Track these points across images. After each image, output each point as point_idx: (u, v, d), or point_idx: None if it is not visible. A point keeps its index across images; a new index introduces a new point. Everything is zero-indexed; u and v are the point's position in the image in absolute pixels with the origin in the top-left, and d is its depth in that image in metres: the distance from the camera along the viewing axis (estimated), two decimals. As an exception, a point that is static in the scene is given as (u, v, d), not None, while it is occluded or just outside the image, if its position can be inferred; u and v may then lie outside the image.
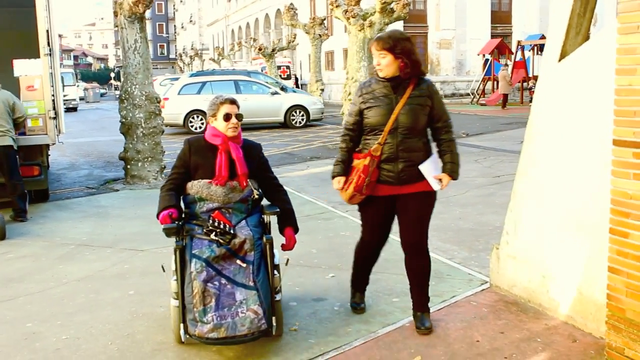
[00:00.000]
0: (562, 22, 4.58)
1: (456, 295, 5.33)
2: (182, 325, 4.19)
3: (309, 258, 6.51)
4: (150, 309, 5.28)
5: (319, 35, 29.10)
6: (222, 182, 4.38)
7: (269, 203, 4.65)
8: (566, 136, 4.50)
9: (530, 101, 29.93)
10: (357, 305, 5.00)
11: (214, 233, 4.21)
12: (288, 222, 4.58)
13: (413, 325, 4.64)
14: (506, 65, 30.55)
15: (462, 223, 7.95)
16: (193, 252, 4.16)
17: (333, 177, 4.55)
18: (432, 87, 4.42)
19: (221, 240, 4.19)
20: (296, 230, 4.59)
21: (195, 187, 4.42)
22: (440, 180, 4.40)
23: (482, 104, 31.44)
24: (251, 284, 4.12)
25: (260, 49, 33.84)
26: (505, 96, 28.93)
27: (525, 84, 31.75)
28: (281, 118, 22.10)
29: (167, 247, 7.15)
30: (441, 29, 36.99)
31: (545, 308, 4.81)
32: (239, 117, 4.49)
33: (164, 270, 4.60)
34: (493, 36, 36.39)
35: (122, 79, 11.90)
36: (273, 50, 34.32)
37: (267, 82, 24.05)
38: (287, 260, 4.58)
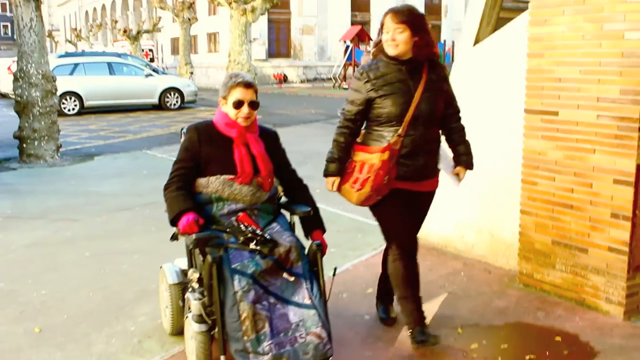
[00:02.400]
0: (477, 13, 5.59)
1: (383, 245, 6.23)
2: (223, 358, 3.38)
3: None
4: (114, 266, 5.79)
5: (188, 18, 29.28)
6: (247, 180, 3.65)
7: (287, 200, 4.01)
8: (480, 106, 5.50)
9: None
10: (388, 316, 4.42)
11: (254, 242, 3.47)
12: (316, 223, 3.86)
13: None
14: (368, 51, 32.00)
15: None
16: (233, 266, 3.39)
17: (327, 176, 3.91)
18: (445, 70, 4.00)
19: (264, 250, 3.47)
20: (324, 232, 3.88)
21: (214, 184, 3.65)
22: (457, 174, 4.09)
23: (344, 88, 32.79)
24: (307, 301, 3.41)
25: (125, 31, 33.44)
26: (367, 81, 30.41)
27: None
28: (156, 100, 22.22)
29: (99, 216, 7.60)
30: (304, 15, 38.11)
31: (460, 251, 5.82)
32: (253, 105, 3.72)
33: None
34: (353, 23, 37.98)
35: (17, 58, 11.88)
36: (138, 32, 34.00)
37: (140, 65, 24.03)
38: (335, 269, 3.86)
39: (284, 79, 35.22)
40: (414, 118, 3.75)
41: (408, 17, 3.72)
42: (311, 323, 3.34)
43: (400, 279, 3.98)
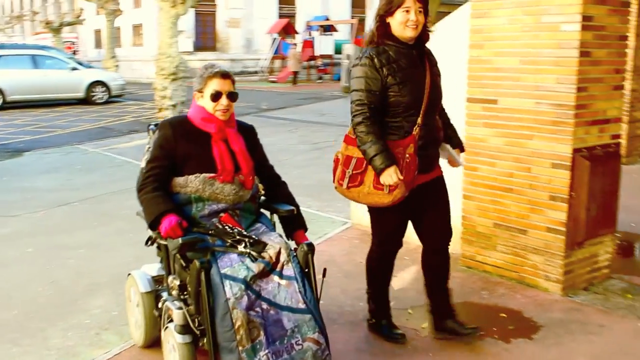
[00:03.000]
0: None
1: (327, 232, 6.37)
2: None
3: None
4: (60, 261, 5.73)
5: (113, 10, 28.70)
6: (229, 178, 3.43)
7: (268, 198, 3.80)
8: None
9: (318, 79, 31.98)
10: (396, 332, 4.01)
11: (242, 244, 3.29)
12: (298, 223, 3.67)
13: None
14: (295, 44, 32.17)
15: (305, 181, 9.01)
16: (223, 271, 3.17)
17: (382, 170, 3.44)
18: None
19: (254, 253, 3.27)
20: (306, 231, 3.71)
21: (193, 183, 3.40)
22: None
23: (272, 81, 32.84)
24: (301, 305, 3.22)
25: (47, 23, 32.47)
26: (296, 73, 30.57)
27: (312, 63, 33.63)
28: (82, 94, 21.73)
29: (36, 212, 7.48)
30: (230, 8, 37.84)
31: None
32: (232, 96, 3.49)
33: None
34: (280, 16, 37.97)
35: None
36: (60, 25, 33.09)
37: (65, 58, 23.44)
38: (325, 270, 3.51)
39: (211, 72, 34.98)
40: (428, 106, 3.53)
41: None
42: (307, 328, 3.18)
43: (379, 275, 3.98)
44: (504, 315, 4.29)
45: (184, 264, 3.30)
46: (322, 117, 17.28)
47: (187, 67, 17.55)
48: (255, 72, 36.24)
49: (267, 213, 3.76)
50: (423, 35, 3.57)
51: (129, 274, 4.00)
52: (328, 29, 33.96)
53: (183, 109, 17.13)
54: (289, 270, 3.32)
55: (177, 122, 3.58)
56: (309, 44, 33.25)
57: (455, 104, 5.25)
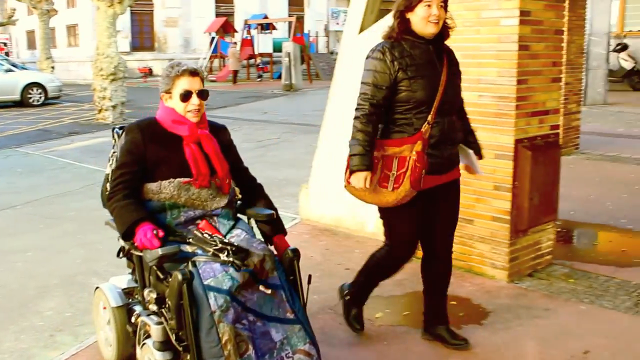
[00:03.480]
0: (361, 3, 5.86)
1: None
2: None
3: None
4: (7, 265, 5.65)
5: (47, 10, 28.06)
6: (205, 183, 3.25)
7: (244, 202, 3.59)
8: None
9: (258, 77, 31.94)
10: (360, 322, 4.03)
11: (225, 252, 3.05)
12: (278, 227, 3.48)
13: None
14: (235, 43, 32.03)
15: (251, 178, 9.02)
16: (206, 282, 2.95)
17: (354, 171, 3.38)
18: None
19: (238, 262, 3.04)
20: (285, 235, 3.51)
21: (167, 189, 3.20)
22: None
23: (212, 81, 32.59)
24: (289, 315, 3.09)
25: (-23, 24, 31.58)
26: (235, 72, 30.46)
27: (252, 61, 33.54)
28: (17, 96, 21.23)
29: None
30: (167, 7, 37.42)
31: (352, 230, 6.11)
32: (202, 94, 3.30)
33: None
34: (217, 15, 37.73)
35: None
36: (-9, 25, 32.22)
37: (-2, 59, 22.85)
38: (310, 277, 3.31)
39: (150, 73, 34.51)
40: (441, 104, 3.37)
41: None
42: (297, 339, 3.04)
43: (381, 273, 3.88)
44: (454, 302, 4.41)
45: (160, 276, 3.06)
46: (264, 115, 17.30)
47: (127, 68, 17.37)
48: (195, 72, 35.82)
49: (245, 218, 3.57)
50: (442, 32, 3.43)
51: (97, 288, 3.74)
52: (267, 27, 33.91)
53: (123, 110, 16.97)
54: (274, 278, 3.14)
55: (145, 125, 3.32)
56: (248, 42, 33.15)
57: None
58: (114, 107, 16.59)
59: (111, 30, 16.27)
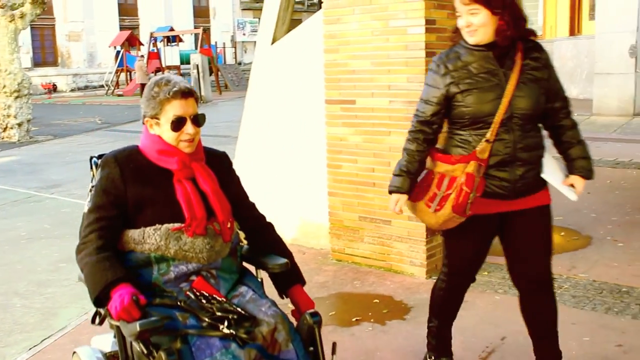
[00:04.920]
0: (273, 15, 5.99)
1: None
2: None
3: (45, 232, 7.06)
4: None
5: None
6: (200, 229, 2.57)
7: (251, 248, 2.90)
8: (283, 100, 5.91)
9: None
10: None
11: (225, 322, 2.44)
12: (294, 276, 2.82)
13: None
14: (142, 56, 31.58)
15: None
16: None
17: (391, 192, 3.13)
18: (546, 53, 3.09)
19: (242, 336, 2.43)
20: (304, 285, 2.85)
21: (153, 238, 2.54)
22: (572, 185, 3.15)
23: (119, 95, 32.06)
24: None
25: None
26: (143, 86, 29.98)
27: (160, 74, 33.14)
28: None
29: None
30: (69, 21, 36.55)
31: (273, 237, 6.20)
32: (197, 120, 2.66)
33: None
34: (122, 28, 37.12)
35: None
36: None
37: None
38: (334, 345, 2.69)
39: (54, 89, 33.62)
40: (506, 118, 2.92)
41: None
42: None
43: (447, 310, 3.49)
44: (377, 300, 4.58)
45: (145, 351, 2.35)
46: (176, 128, 17.13)
47: (31, 84, 16.92)
48: (101, 86, 35.21)
49: (252, 267, 2.90)
50: (504, 34, 2.91)
51: (74, 353, 3.02)
52: (173, 39, 33.62)
53: (30, 127, 16.52)
54: (290, 352, 2.52)
55: (125, 156, 2.66)
56: (154, 55, 32.75)
57: (314, 106, 5.54)
58: (19, 124, 16.14)
59: (13, 46, 15.84)
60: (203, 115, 2.70)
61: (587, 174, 3.12)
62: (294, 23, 6.05)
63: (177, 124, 2.60)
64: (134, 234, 2.57)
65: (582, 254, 5.47)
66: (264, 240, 2.89)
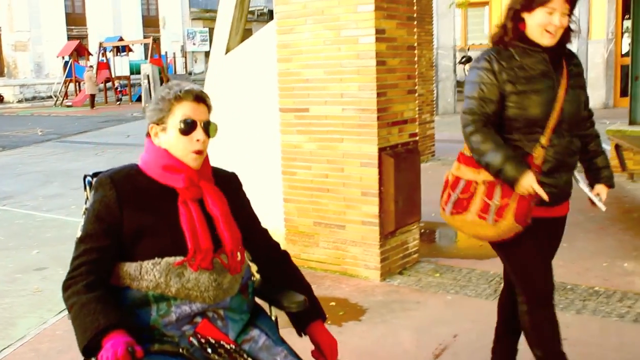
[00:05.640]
0: (226, 25, 6.07)
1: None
2: None
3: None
4: None
5: None
6: (206, 263, 2.22)
7: (264, 282, 2.57)
8: (237, 109, 5.99)
9: (117, 100, 31.29)
10: None
11: None
12: (314, 311, 2.48)
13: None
14: (91, 66, 31.21)
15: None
16: None
17: (521, 176, 2.74)
18: (580, 61, 3.04)
19: None
20: (325, 320, 2.53)
21: (151, 275, 2.19)
22: (597, 194, 3.05)
23: (68, 106, 31.58)
24: None
25: None
26: (93, 96, 29.68)
27: (109, 84, 32.81)
28: None
29: None
30: (15, 31, 35.90)
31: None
32: (209, 128, 2.33)
33: None
34: (70, 38, 36.62)
35: None
36: None
37: None
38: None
39: (0, 100, 32.98)
40: (558, 123, 2.83)
41: None
42: None
43: (545, 334, 3.01)
44: (333, 303, 4.69)
45: None
46: (127, 139, 17.03)
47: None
48: (49, 97, 34.67)
49: (264, 303, 2.54)
50: (567, 37, 2.88)
51: None
52: (122, 49, 33.32)
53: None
54: None
55: (122, 177, 2.30)
56: (104, 65, 32.41)
57: (268, 114, 5.64)
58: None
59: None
60: (215, 126, 2.35)
61: (612, 183, 3.09)
62: (245, 33, 6.15)
63: (187, 127, 2.27)
64: (129, 268, 2.22)
65: (529, 254, 5.67)
66: (278, 272, 2.56)
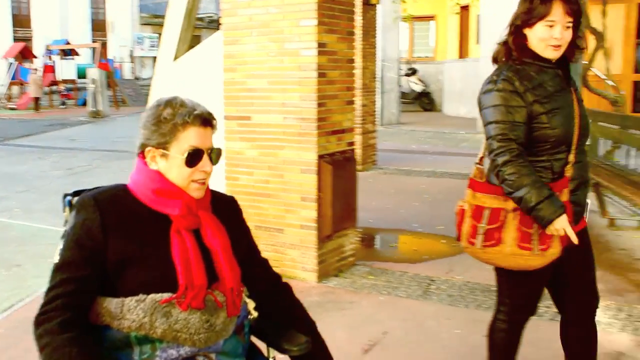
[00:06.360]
0: (174, 33, 6.27)
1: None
2: None
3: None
4: None
5: None
6: (197, 302, 1.97)
7: (262, 320, 2.28)
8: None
9: (62, 104, 30.93)
10: None
11: None
12: (320, 354, 2.27)
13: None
14: (35, 69, 30.79)
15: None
16: None
17: (554, 219, 2.60)
18: None
19: None
20: None
21: (134, 313, 1.93)
22: None
23: (12, 108, 31.06)
24: None
25: None
26: (37, 99, 29.29)
27: (55, 87, 32.41)
28: None
29: None
30: (-42, 31, 35.27)
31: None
32: (215, 156, 2.11)
33: None
34: (15, 40, 36.05)
35: None
36: None
37: None
38: None
39: (-60, 101, 32.31)
40: (579, 139, 2.75)
41: (577, 5, 2.69)
42: None
43: (507, 350, 3.06)
44: (271, 303, 4.91)
45: None
46: (72, 143, 16.97)
47: None
48: (-8, 99, 34.03)
49: (262, 343, 2.29)
50: (568, 52, 2.78)
51: None
52: (69, 53, 32.96)
53: None
54: None
55: (107, 198, 2.05)
56: (50, 68, 31.99)
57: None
58: None
59: None
60: (220, 151, 2.13)
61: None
62: (194, 40, 6.35)
63: (193, 158, 2.03)
64: (110, 304, 1.95)
65: (459, 258, 5.97)
66: (279, 308, 2.29)
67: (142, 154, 2.09)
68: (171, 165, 2.04)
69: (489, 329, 3.12)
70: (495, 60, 2.84)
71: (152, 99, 6.51)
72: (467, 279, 5.40)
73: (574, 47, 2.77)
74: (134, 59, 41.89)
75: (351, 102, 5.62)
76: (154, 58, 41.20)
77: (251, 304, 2.24)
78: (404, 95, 20.21)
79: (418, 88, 22.04)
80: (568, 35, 2.69)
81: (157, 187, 2.04)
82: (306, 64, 5.14)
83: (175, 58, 6.29)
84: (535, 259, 2.69)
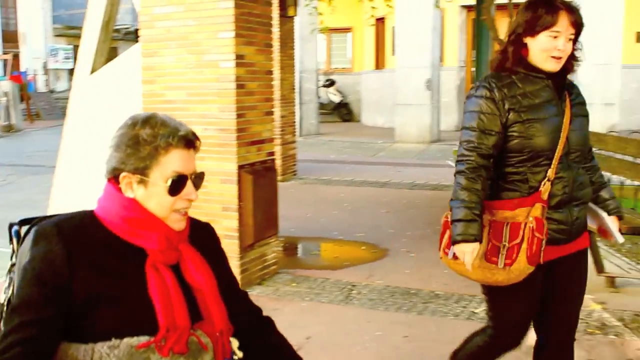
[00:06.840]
0: (91, 46, 6.23)
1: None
2: None
3: None
4: None
5: None
6: (180, 346, 1.73)
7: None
8: (102, 128, 6.13)
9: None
10: None
11: None
12: None
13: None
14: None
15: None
16: None
17: (463, 241, 2.62)
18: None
19: None
20: None
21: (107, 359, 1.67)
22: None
23: None
24: None
25: None
26: (-55, 114, 28.22)
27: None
28: None
29: None
30: None
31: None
32: (198, 181, 1.93)
33: None
34: None
35: None
36: None
37: None
38: None
39: None
40: (564, 154, 2.68)
41: (581, 18, 2.65)
42: None
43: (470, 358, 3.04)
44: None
45: None
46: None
47: None
48: None
49: None
50: (567, 64, 2.73)
51: None
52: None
53: None
54: None
55: (72, 227, 1.79)
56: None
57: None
58: None
59: None
60: (203, 175, 1.94)
61: (622, 214, 2.95)
62: (111, 52, 6.33)
63: (177, 185, 1.81)
64: (77, 352, 1.69)
65: (379, 264, 6.15)
66: (262, 345, 2.11)
67: (113, 179, 1.84)
68: (151, 194, 1.80)
69: (471, 334, 3.08)
70: (492, 67, 2.82)
71: (70, 113, 6.45)
72: (387, 283, 5.56)
73: (573, 60, 2.74)
74: (48, 71, 40.78)
75: (270, 113, 5.71)
76: (70, 70, 40.36)
77: (235, 343, 1.97)
78: (322, 106, 20.44)
79: (336, 99, 22.34)
80: (569, 47, 2.66)
81: (131, 216, 1.79)
82: (225, 75, 5.21)
83: (93, 70, 6.25)
84: (498, 274, 2.64)
